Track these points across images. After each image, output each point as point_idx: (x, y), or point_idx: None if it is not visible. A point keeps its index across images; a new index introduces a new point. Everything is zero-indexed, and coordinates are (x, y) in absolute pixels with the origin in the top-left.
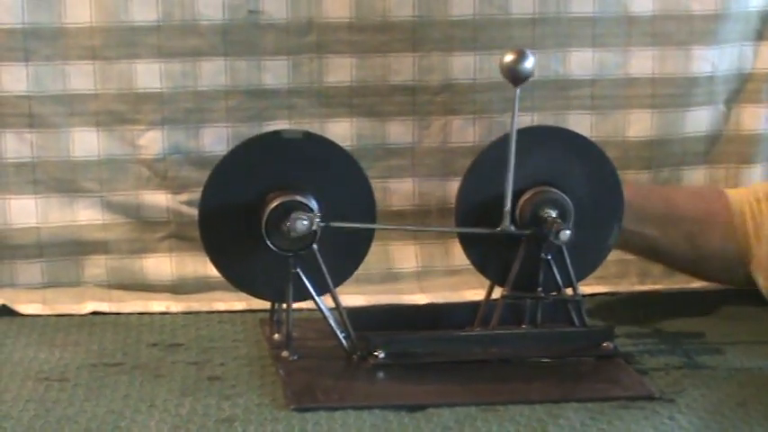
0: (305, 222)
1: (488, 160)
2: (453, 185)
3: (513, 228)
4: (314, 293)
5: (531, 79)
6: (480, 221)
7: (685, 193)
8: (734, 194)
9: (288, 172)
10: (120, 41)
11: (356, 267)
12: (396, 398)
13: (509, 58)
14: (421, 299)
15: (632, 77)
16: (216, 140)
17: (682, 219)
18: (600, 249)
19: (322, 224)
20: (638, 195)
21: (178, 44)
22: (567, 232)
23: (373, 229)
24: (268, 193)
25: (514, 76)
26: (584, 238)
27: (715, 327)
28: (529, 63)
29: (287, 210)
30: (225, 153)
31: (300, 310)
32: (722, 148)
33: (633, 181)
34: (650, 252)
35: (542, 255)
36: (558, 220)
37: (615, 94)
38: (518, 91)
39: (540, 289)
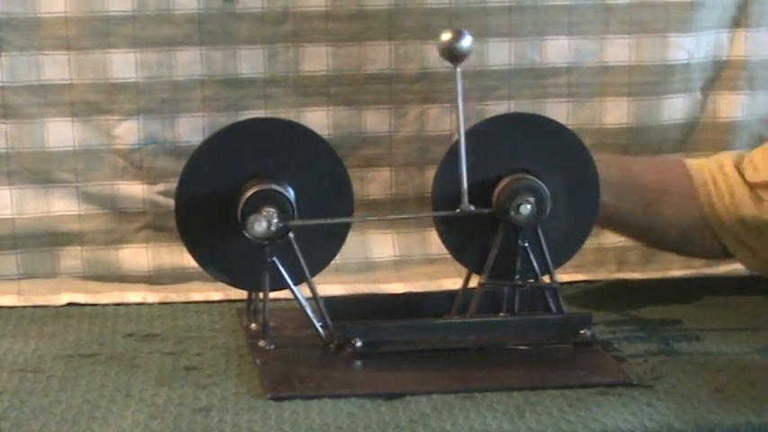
0: (263, 224)
1: (465, 149)
2: (430, 173)
3: (472, 207)
4: (290, 283)
5: (507, 68)
6: (457, 208)
7: (643, 163)
8: (694, 164)
9: (264, 160)
10: (95, 31)
11: (333, 256)
12: (373, 386)
13: (446, 36)
14: (398, 288)
15: (608, 65)
16: (192, 130)
17: (638, 187)
18: (576, 237)
19: (280, 224)
20: (596, 162)
21: (153, 34)
22: (528, 206)
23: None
24: (244, 181)
25: (453, 54)
26: (561, 226)
27: (692, 314)
28: (467, 41)
29: (263, 198)
30: (200, 142)
31: (277, 299)
32: (699, 136)
33: (597, 147)
34: (606, 221)
35: (519, 242)
36: (522, 198)
37: (591, 82)
38: (458, 70)
39: (517, 277)
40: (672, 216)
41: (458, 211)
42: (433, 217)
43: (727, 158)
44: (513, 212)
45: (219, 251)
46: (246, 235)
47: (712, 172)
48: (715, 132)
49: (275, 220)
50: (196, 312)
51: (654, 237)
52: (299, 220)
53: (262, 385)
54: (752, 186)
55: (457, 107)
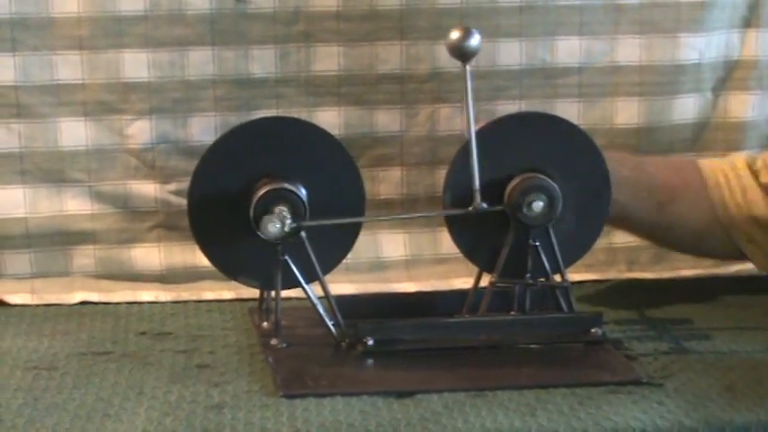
0: (277, 225)
1: (476, 147)
2: (441, 173)
3: (484, 205)
4: (302, 281)
5: (518, 68)
6: (468, 207)
7: (657, 162)
8: (707, 164)
9: (276, 159)
10: (108, 31)
11: (345, 255)
12: (384, 384)
13: (455, 35)
14: (409, 287)
15: (619, 65)
16: (204, 130)
17: (652, 186)
18: (587, 236)
19: (293, 224)
20: (610, 160)
21: (165, 34)
22: (540, 203)
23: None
24: (256, 180)
25: (462, 53)
26: (572, 225)
27: (702, 313)
28: (475, 40)
29: (275, 197)
30: (213, 141)
31: (289, 298)
32: (710, 136)
33: (608, 147)
34: (619, 220)
35: (530, 241)
36: (532, 195)
37: (602, 82)
38: (468, 68)
39: (528, 276)
40: (685, 216)
41: (470, 209)
42: (445, 216)
43: (740, 159)
44: (525, 209)
45: (232, 250)
46: (260, 233)
47: (725, 172)
48: (725, 132)
49: (288, 221)
50: (208, 311)
51: (666, 237)
52: (312, 221)
53: (274, 383)
54: (765, 188)
55: (467, 105)
